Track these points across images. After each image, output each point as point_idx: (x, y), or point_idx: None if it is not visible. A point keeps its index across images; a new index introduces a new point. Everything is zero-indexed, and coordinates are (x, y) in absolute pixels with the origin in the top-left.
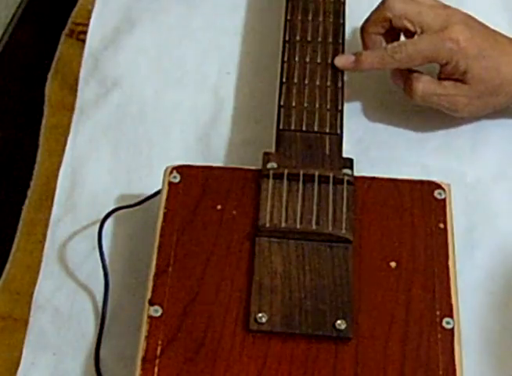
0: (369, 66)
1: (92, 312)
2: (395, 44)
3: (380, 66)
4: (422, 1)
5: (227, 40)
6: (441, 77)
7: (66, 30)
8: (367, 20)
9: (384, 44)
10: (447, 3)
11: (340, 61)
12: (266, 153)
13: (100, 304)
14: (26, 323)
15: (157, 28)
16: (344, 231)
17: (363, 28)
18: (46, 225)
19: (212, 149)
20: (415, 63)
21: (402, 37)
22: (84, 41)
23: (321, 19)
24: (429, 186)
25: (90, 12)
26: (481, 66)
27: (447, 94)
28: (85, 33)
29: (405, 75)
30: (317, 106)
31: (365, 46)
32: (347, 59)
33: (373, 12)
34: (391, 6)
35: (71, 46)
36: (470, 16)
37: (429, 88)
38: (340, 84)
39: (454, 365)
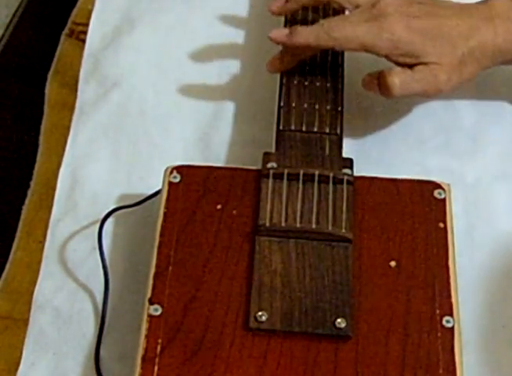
0: (303, 41)
1: (92, 312)
2: (333, 21)
3: (315, 43)
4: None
5: (227, 40)
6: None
7: (66, 30)
8: None
9: None
10: None
11: (274, 33)
12: (266, 153)
13: (100, 304)
14: (26, 323)
15: (157, 28)
16: (343, 230)
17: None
18: (46, 226)
19: (212, 149)
20: (350, 47)
21: None
22: (84, 41)
23: (321, 19)
24: (429, 186)
25: (90, 12)
26: (434, 48)
27: (425, 76)
28: (85, 33)
29: (376, 76)
30: (317, 106)
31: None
32: (282, 32)
33: None
34: None
35: (71, 46)
36: None
37: (405, 77)
38: (339, 85)
39: (454, 363)
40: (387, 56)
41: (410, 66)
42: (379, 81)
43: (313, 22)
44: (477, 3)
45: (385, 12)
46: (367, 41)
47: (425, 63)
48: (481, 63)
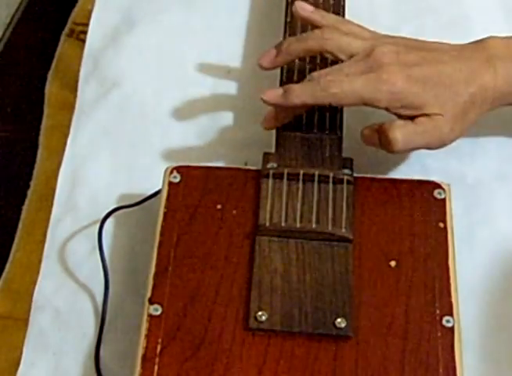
0: (299, 101)
1: (92, 312)
2: (328, 76)
3: (312, 102)
4: (349, 29)
5: (227, 40)
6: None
7: (66, 30)
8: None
9: None
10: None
11: (267, 95)
12: (266, 154)
13: (100, 304)
14: (26, 323)
15: (157, 28)
16: (343, 230)
17: (287, 51)
18: (46, 226)
19: (212, 149)
20: (349, 102)
21: None
22: (84, 41)
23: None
24: (429, 186)
25: (90, 12)
26: (436, 98)
27: (428, 129)
28: (85, 33)
29: (376, 130)
30: (317, 106)
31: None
32: (276, 92)
33: (300, 41)
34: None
35: (71, 46)
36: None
37: (407, 130)
38: None
39: (454, 363)
40: (387, 109)
41: (412, 118)
42: (380, 136)
43: (310, 70)
44: (471, 44)
45: (382, 62)
46: (366, 94)
47: (427, 115)
48: (481, 108)
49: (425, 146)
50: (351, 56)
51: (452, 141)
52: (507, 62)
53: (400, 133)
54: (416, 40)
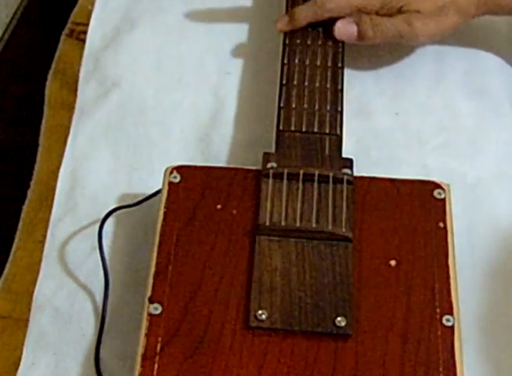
0: (304, 21)
1: (92, 312)
2: None
3: (315, 19)
4: None
5: (227, 40)
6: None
7: (66, 30)
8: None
9: None
10: None
11: (278, 26)
12: (266, 154)
13: (100, 304)
14: (26, 323)
15: (157, 28)
16: (344, 229)
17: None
18: (46, 226)
19: (212, 149)
20: (346, 12)
21: None
22: (84, 41)
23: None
24: (429, 186)
25: (90, 12)
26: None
27: (399, 20)
28: (85, 33)
29: (352, 23)
30: (317, 107)
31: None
32: (283, 20)
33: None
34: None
35: (71, 46)
36: None
37: (380, 21)
38: (339, 86)
39: (454, 362)
40: (377, 12)
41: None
42: (357, 26)
43: None
44: None
45: None
46: (359, 3)
47: (405, 11)
48: (464, 13)
49: (398, 36)
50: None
51: (427, 36)
52: None
53: (375, 22)
54: None
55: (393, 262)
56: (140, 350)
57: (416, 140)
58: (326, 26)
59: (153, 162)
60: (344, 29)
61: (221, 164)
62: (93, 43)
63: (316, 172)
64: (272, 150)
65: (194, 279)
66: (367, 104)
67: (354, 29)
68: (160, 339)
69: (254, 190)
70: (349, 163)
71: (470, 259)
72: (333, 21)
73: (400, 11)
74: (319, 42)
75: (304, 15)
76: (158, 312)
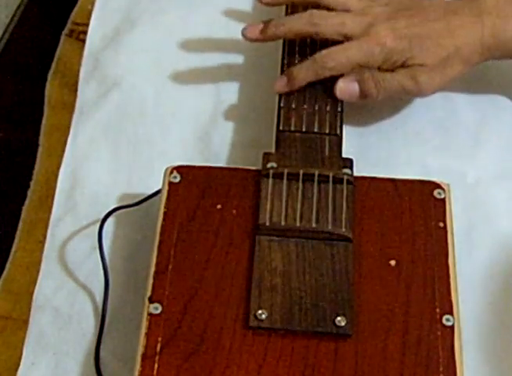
0: (304, 81)
1: (92, 312)
2: (324, 53)
3: (315, 78)
4: (346, 6)
5: (227, 40)
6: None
7: (66, 30)
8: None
9: None
10: None
11: (277, 88)
12: (266, 154)
13: (100, 304)
14: (26, 323)
15: (157, 28)
16: (343, 229)
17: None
18: (46, 226)
19: (212, 149)
20: (348, 70)
21: None
22: (84, 41)
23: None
24: (429, 186)
25: (90, 12)
26: (421, 50)
27: (404, 76)
28: (85, 33)
29: (354, 81)
30: (317, 107)
31: None
32: (282, 81)
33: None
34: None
35: (71, 46)
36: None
37: (385, 76)
38: None
39: (454, 362)
40: (379, 68)
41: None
42: (359, 84)
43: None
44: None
45: (373, 25)
46: (361, 60)
47: (408, 66)
48: (468, 62)
49: (403, 91)
50: (345, 37)
51: (432, 89)
52: (496, 18)
53: (378, 78)
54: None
55: (393, 262)
56: (140, 350)
57: (415, 140)
58: None
59: (153, 162)
60: (347, 88)
61: (221, 164)
62: (93, 43)
63: (316, 172)
64: (272, 150)
65: (194, 279)
66: (367, 104)
67: (356, 88)
68: (160, 339)
69: (254, 190)
70: (349, 163)
71: (470, 259)
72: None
73: (403, 65)
74: (319, 41)
75: (304, 75)
76: (158, 311)
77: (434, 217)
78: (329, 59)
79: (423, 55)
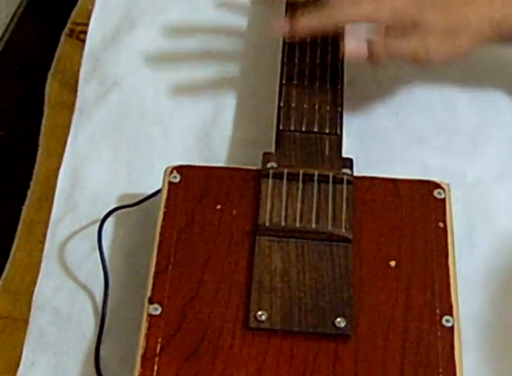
0: (307, 27)
1: (92, 312)
2: (332, 1)
3: (318, 27)
4: None
5: (227, 40)
6: None
7: (66, 30)
8: None
9: None
10: None
11: (278, 28)
12: (266, 153)
13: (100, 304)
14: (26, 323)
15: (157, 28)
16: (343, 230)
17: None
18: (46, 226)
19: (212, 149)
20: (353, 22)
21: None
22: (84, 41)
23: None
24: (429, 186)
25: (90, 12)
26: (432, 14)
27: (415, 39)
28: (85, 33)
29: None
30: (317, 106)
31: None
32: (284, 23)
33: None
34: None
35: (71, 46)
36: None
37: (395, 41)
38: (339, 85)
39: (454, 363)
40: (387, 28)
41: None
42: (368, 46)
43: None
44: None
45: None
46: (369, 15)
47: (418, 29)
48: (479, 35)
49: (411, 57)
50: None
51: (441, 58)
52: None
53: (388, 42)
54: None
55: (393, 263)
56: (140, 350)
57: (415, 140)
58: None
59: (153, 162)
60: (356, 48)
61: (221, 164)
62: (93, 43)
63: (316, 172)
64: (272, 149)
65: (194, 279)
66: (367, 104)
67: (365, 49)
68: (159, 340)
69: (253, 190)
70: (349, 163)
71: (470, 259)
72: None
73: (413, 29)
74: (319, 41)
75: (308, 21)
76: (158, 312)
77: (434, 217)
78: (337, 9)
79: (434, 19)
